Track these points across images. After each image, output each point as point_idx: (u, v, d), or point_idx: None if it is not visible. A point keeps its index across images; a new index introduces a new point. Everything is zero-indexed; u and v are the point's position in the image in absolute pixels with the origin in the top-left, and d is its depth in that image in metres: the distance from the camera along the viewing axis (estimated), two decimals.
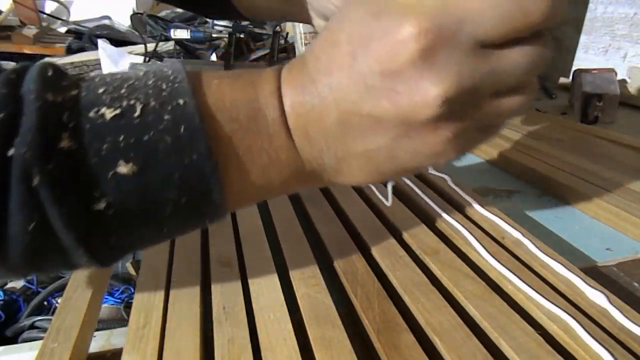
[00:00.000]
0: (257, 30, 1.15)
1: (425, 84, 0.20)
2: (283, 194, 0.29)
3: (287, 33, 1.20)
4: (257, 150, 0.23)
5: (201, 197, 0.22)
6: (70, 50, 1.18)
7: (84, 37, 1.25)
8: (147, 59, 1.05)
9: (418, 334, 0.29)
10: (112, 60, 1.03)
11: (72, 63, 1.08)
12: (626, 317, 0.29)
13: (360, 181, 0.25)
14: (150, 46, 1.11)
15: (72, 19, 1.40)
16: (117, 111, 0.20)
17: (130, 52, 1.10)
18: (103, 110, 0.20)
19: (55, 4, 1.39)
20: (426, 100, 0.20)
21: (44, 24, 1.28)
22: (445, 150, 0.22)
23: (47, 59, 1.10)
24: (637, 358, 0.27)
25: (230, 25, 1.09)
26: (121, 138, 0.20)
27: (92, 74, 0.23)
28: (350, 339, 0.29)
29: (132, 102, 0.21)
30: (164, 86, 0.22)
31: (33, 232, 0.19)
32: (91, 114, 0.20)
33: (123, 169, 0.20)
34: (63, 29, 1.32)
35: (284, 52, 1.04)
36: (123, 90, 0.21)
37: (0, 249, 0.19)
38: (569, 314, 0.29)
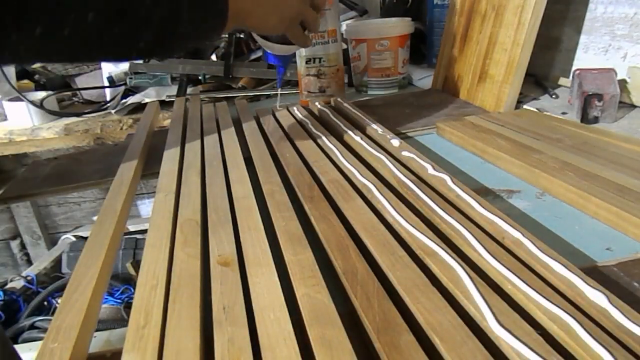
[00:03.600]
0: None
1: None
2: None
3: None
4: None
5: None
6: None
7: None
8: (147, 59, 1.05)
9: (418, 334, 0.29)
10: None
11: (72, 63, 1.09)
12: (626, 317, 0.29)
13: (269, 26, 0.50)
14: None
15: None
16: None
17: None
18: None
19: None
20: None
21: None
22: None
23: None
24: (637, 358, 0.27)
25: None
26: None
27: None
28: (350, 339, 0.29)
29: None
30: None
31: None
32: None
33: None
34: None
35: None
36: None
37: None
38: (569, 314, 0.29)
